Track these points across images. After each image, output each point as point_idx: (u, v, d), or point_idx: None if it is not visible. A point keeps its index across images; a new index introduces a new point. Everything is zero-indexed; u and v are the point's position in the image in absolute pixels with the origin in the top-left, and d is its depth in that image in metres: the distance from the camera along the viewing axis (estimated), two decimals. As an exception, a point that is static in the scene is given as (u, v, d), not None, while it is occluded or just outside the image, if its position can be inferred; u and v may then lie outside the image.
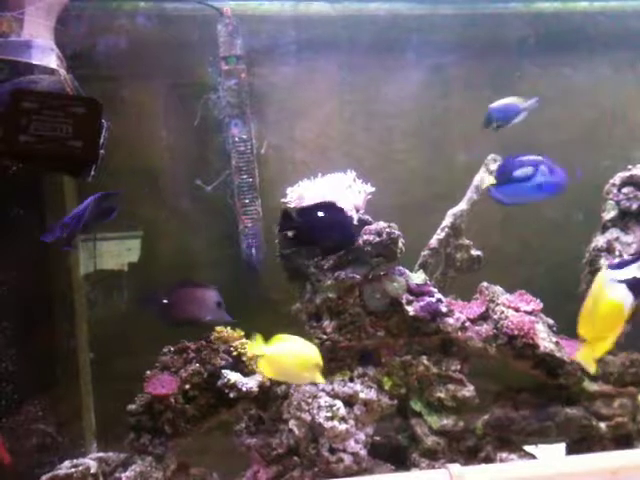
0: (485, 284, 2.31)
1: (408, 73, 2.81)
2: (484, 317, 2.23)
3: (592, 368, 1.78)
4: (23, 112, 1.56)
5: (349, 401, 2.10)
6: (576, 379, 2.19)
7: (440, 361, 2.21)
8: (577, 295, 2.39)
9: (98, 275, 2.64)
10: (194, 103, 2.64)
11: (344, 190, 2.18)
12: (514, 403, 2.23)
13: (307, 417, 2.06)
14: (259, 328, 2.22)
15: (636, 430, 2.21)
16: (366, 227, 2.18)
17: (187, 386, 2.08)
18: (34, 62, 1.83)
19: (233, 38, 2.61)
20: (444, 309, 2.16)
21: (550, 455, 2.23)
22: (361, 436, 2.09)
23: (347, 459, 2.04)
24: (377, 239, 2.15)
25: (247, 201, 2.61)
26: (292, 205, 2.19)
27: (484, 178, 2.17)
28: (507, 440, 2.21)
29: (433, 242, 2.40)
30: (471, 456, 2.19)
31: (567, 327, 2.29)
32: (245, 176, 2.62)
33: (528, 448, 2.22)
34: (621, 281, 1.69)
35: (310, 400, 2.09)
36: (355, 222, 2.16)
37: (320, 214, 2.08)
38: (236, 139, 2.61)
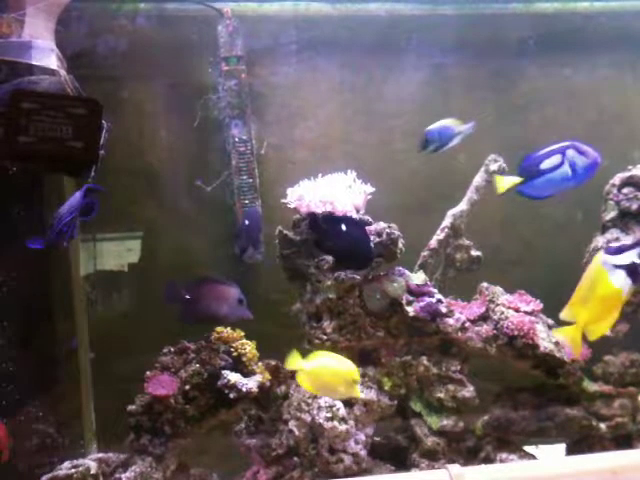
0: (485, 284, 2.31)
1: (408, 73, 2.81)
2: (484, 317, 2.23)
3: (577, 350, 1.78)
4: (23, 113, 1.57)
5: (349, 401, 2.10)
6: (576, 379, 2.19)
7: (440, 361, 2.21)
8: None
9: (98, 275, 2.64)
10: (194, 104, 2.64)
11: (344, 190, 2.18)
12: (514, 403, 2.23)
13: (307, 417, 2.06)
14: (259, 328, 2.23)
15: (636, 430, 2.21)
16: (366, 228, 2.19)
17: (187, 386, 2.08)
18: (34, 63, 1.83)
19: (233, 39, 2.62)
20: (444, 309, 2.16)
21: (550, 455, 2.24)
22: (361, 436, 2.09)
23: (347, 459, 2.04)
24: (377, 239, 2.16)
25: (247, 201, 2.61)
26: (292, 205, 2.19)
27: (502, 180, 2.14)
28: (507, 440, 2.21)
29: (433, 242, 2.41)
30: (471, 456, 2.19)
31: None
32: (245, 176, 2.62)
33: (528, 448, 2.22)
34: (620, 266, 1.68)
35: (310, 400, 2.09)
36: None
37: (345, 227, 2.08)
38: (236, 139, 2.61)
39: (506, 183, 2.10)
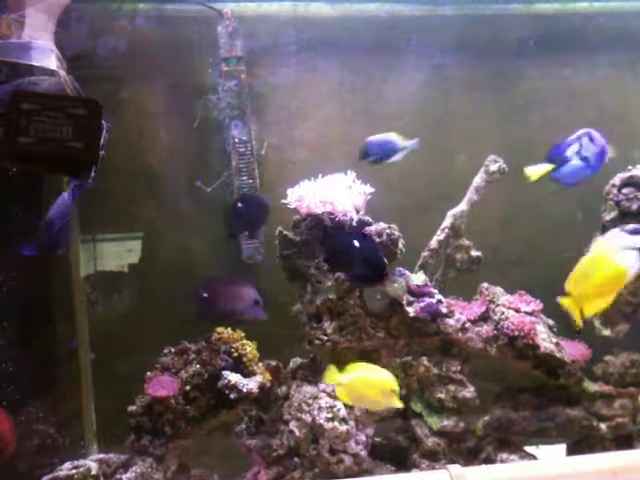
0: (485, 285, 2.31)
1: (408, 74, 2.82)
2: (484, 318, 2.23)
3: (577, 320, 1.78)
4: (23, 113, 1.56)
5: (349, 402, 2.10)
6: (576, 380, 2.19)
7: (440, 362, 2.21)
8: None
9: (98, 276, 2.64)
10: (194, 104, 2.64)
11: (344, 191, 2.18)
12: (514, 404, 2.23)
13: (308, 418, 2.06)
14: (259, 329, 2.23)
15: (636, 431, 2.21)
16: (366, 228, 2.19)
17: (188, 387, 2.08)
18: (34, 63, 1.83)
19: (233, 39, 2.62)
20: (444, 310, 2.16)
21: (551, 456, 2.23)
22: (361, 437, 2.09)
23: (347, 460, 2.04)
24: (377, 240, 2.16)
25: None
26: (292, 206, 2.19)
27: (532, 170, 2.13)
28: (508, 441, 2.21)
29: (433, 243, 2.41)
30: (471, 457, 2.19)
31: (567, 328, 2.29)
32: (245, 177, 2.62)
33: (529, 449, 2.22)
34: (635, 248, 1.67)
35: (311, 401, 2.09)
36: (354, 223, 2.16)
37: (358, 243, 2.08)
38: (236, 140, 2.62)
39: (537, 171, 2.10)
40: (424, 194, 2.77)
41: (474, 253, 2.43)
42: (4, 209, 2.21)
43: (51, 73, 1.85)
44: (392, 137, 2.21)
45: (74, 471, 2.00)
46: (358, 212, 2.20)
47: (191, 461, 2.17)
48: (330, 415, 2.05)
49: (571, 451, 2.24)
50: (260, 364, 2.16)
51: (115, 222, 2.66)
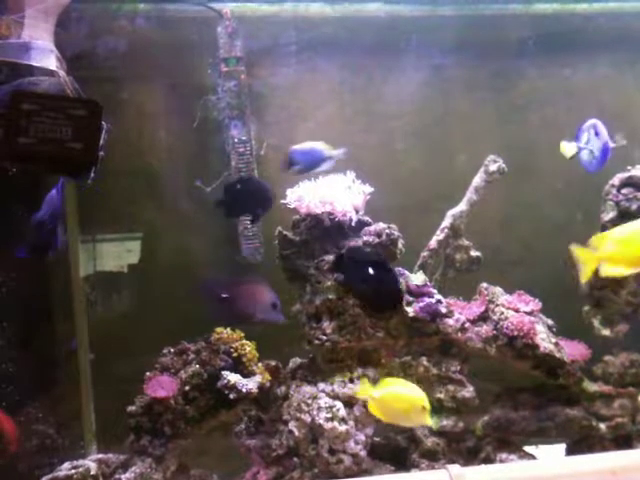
0: (485, 285, 2.31)
1: (408, 74, 2.82)
2: (484, 318, 2.23)
3: (584, 275, 1.78)
4: (23, 114, 1.57)
5: (349, 402, 2.10)
6: (576, 379, 2.19)
7: (440, 362, 2.21)
8: (576, 296, 2.40)
9: (98, 276, 2.65)
10: (194, 105, 2.64)
11: (344, 191, 2.18)
12: (514, 404, 2.23)
13: (307, 418, 2.06)
14: (259, 329, 2.23)
15: (636, 431, 2.21)
16: (366, 228, 2.19)
17: (187, 387, 2.08)
18: (34, 64, 1.83)
19: (233, 40, 2.62)
20: (444, 310, 2.16)
21: (550, 456, 2.23)
22: (361, 437, 2.09)
23: (347, 460, 2.04)
24: (377, 240, 2.16)
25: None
26: (292, 206, 2.19)
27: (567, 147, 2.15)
28: (507, 441, 2.21)
29: (433, 243, 2.41)
30: (471, 457, 2.19)
31: (567, 328, 2.29)
32: (245, 177, 2.62)
33: (528, 449, 2.22)
34: None
35: (310, 401, 2.09)
36: (354, 224, 2.17)
37: (373, 270, 2.08)
38: (236, 140, 2.62)
39: (570, 149, 2.12)
40: (424, 194, 2.77)
41: (474, 253, 2.43)
42: (4, 210, 2.21)
43: (51, 73, 1.85)
44: (317, 146, 2.16)
45: (73, 471, 2.00)
46: (357, 212, 2.20)
47: (190, 461, 2.17)
48: (329, 415, 2.05)
49: (570, 451, 2.24)
50: (259, 364, 2.16)
51: (115, 222, 2.66)
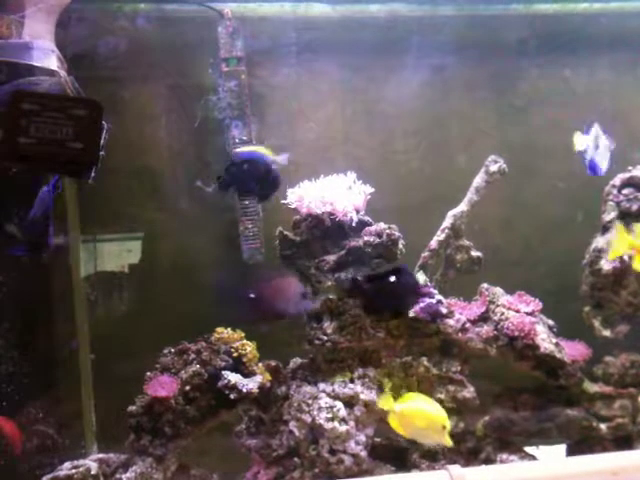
0: (485, 285, 2.31)
1: (409, 74, 2.82)
2: (484, 318, 2.23)
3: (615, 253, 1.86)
4: (23, 114, 1.57)
5: (349, 402, 2.10)
6: (576, 380, 2.19)
7: (440, 362, 2.21)
8: (578, 296, 2.40)
9: (98, 276, 2.64)
10: (194, 105, 2.64)
11: (344, 191, 2.19)
12: (514, 404, 2.23)
13: (307, 418, 2.06)
14: (259, 330, 2.23)
15: (636, 431, 2.21)
16: (366, 228, 2.19)
17: (187, 387, 2.08)
18: (34, 64, 1.83)
19: (233, 40, 2.62)
20: (444, 310, 2.16)
21: (550, 456, 2.23)
22: (361, 437, 2.09)
23: (347, 460, 2.04)
24: (377, 240, 2.16)
25: (247, 202, 2.61)
26: (293, 206, 2.19)
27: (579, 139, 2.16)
28: (507, 441, 2.21)
29: (433, 243, 2.40)
30: (471, 457, 2.19)
31: (568, 328, 2.29)
32: (245, 177, 2.62)
33: (528, 449, 2.22)
34: None
35: (310, 401, 2.09)
36: (354, 224, 2.17)
37: (391, 282, 2.08)
38: (236, 140, 2.61)
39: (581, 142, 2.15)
40: (424, 194, 2.77)
41: (474, 253, 2.43)
42: (4, 209, 2.21)
43: (51, 73, 1.85)
44: (260, 150, 2.18)
45: (74, 471, 2.00)
46: (358, 212, 2.20)
47: (191, 461, 2.17)
48: (330, 415, 2.05)
49: (571, 452, 2.24)
50: (260, 364, 2.15)
51: (115, 222, 2.66)
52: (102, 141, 1.67)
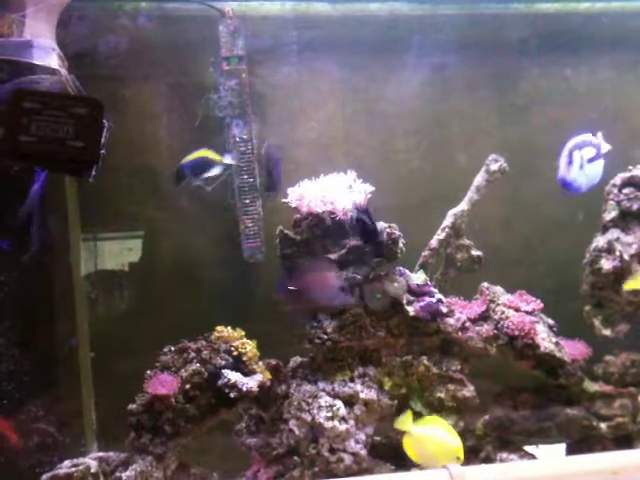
0: (486, 284, 2.31)
1: (409, 73, 2.81)
2: (485, 317, 2.23)
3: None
4: (24, 112, 1.57)
5: (349, 401, 2.10)
6: (576, 379, 2.20)
7: (440, 361, 2.21)
8: (578, 295, 2.40)
9: (99, 274, 2.65)
10: (195, 103, 2.64)
11: (345, 190, 2.19)
12: (514, 403, 2.23)
13: (307, 417, 2.06)
14: (259, 328, 2.24)
15: (637, 430, 2.21)
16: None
17: (187, 386, 2.08)
18: (35, 62, 1.83)
19: (234, 38, 2.61)
20: (444, 309, 2.16)
21: (550, 455, 2.24)
22: (361, 436, 2.09)
23: (347, 459, 2.04)
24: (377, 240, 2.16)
25: (248, 201, 2.61)
26: (293, 205, 2.19)
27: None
28: (507, 440, 2.21)
29: (433, 242, 2.40)
30: (471, 456, 2.19)
31: (568, 327, 2.29)
32: (246, 176, 2.62)
33: (528, 448, 2.22)
34: None
35: (310, 400, 2.09)
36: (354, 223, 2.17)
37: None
38: (237, 139, 2.61)
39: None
40: (425, 193, 2.77)
41: (475, 252, 2.43)
42: (4, 209, 2.21)
43: (52, 72, 1.85)
44: (205, 155, 2.27)
45: (74, 469, 2.00)
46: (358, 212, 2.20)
47: (191, 459, 2.17)
48: (330, 414, 2.05)
49: (571, 451, 2.24)
50: (260, 363, 2.15)
51: (116, 221, 2.66)
52: (103, 139, 1.67)
